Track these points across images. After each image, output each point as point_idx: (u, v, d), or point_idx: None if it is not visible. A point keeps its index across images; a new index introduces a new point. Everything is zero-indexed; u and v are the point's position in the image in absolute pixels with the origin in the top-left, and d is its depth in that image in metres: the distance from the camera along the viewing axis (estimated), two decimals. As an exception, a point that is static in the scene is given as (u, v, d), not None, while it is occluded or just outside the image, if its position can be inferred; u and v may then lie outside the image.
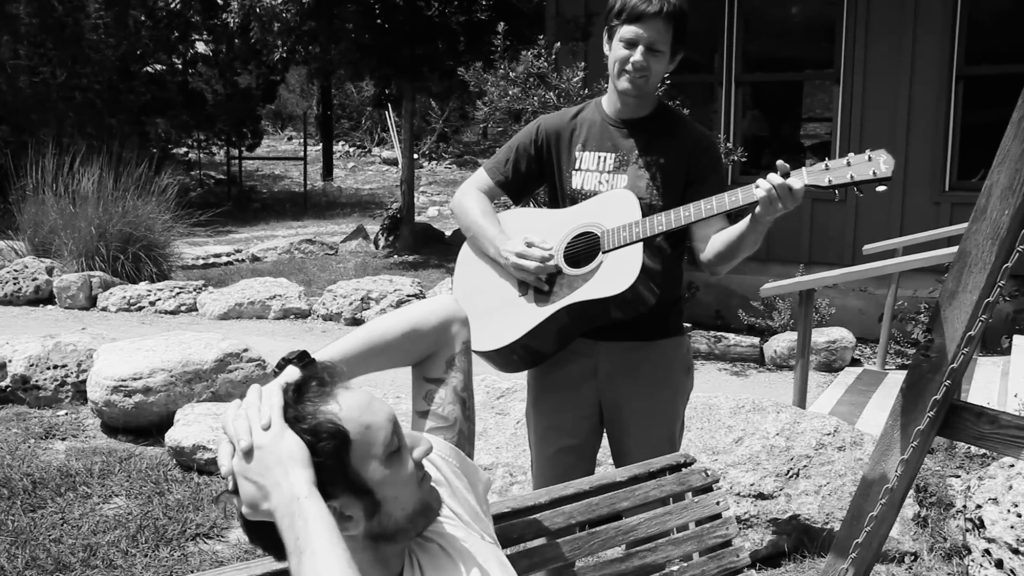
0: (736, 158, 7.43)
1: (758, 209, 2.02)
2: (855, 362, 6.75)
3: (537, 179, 2.48)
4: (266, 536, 1.17)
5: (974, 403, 2.10)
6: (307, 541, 1.08)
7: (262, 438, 1.15)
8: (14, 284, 8.91)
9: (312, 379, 1.22)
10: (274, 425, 1.16)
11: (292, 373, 1.26)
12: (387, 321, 1.49)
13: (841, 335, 6.68)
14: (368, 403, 1.22)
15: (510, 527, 1.62)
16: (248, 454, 1.15)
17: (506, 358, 2.28)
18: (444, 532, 1.36)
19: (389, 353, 1.47)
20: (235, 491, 1.17)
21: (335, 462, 1.16)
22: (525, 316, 2.23)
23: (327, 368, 1.26)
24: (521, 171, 2.45)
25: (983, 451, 4.01)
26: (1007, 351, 6.37)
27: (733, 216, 2.18)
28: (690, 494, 1.85)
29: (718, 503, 1.85)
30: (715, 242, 2.23)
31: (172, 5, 18.52)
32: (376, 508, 1.21)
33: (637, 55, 2.21)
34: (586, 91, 7.08)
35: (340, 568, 1.07)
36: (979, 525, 3.16)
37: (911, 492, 3.54)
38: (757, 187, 1.99)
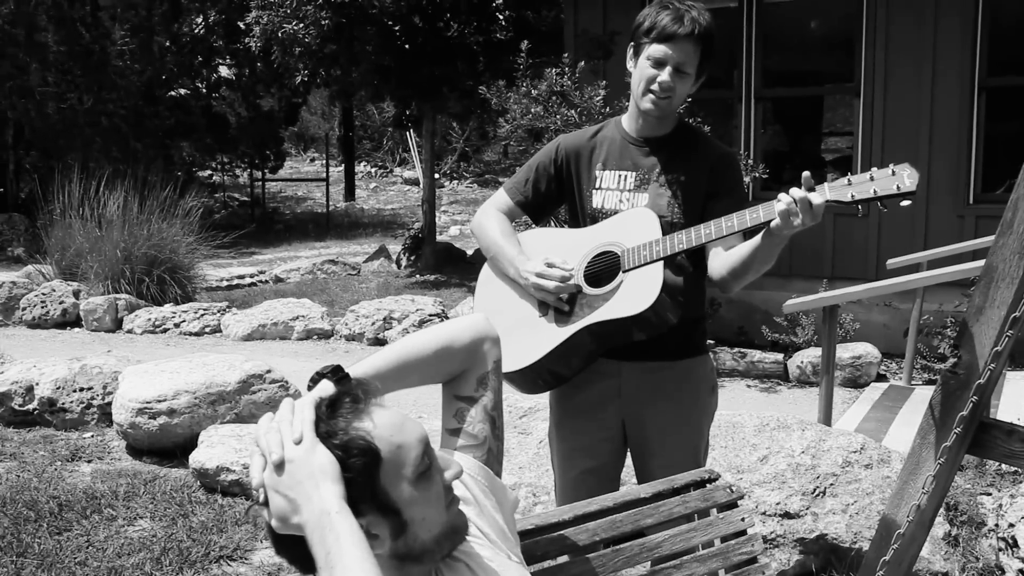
0: (758, 174, 7.40)
1: (775, 223, 1.98)
2: (881, 377, 6.67)
3: (557, 199, 2.47)
4: (293, 549, 1.17)
5: (1004, 420, 2.06)
6: (339, 556, 1.07)
7: (293, 452, 1.15)
8: (42, 307, 9.02)
9: (346, 395, 1.22)
10: (306, 439, 1.16)
11: (326, 388, 1.25)
12: (420, 338, 1.49)
13: (866, 350, 6.61)
14: (401, 423, 1.21)
15: (534, 544, 1.61)
16: (279, 467, 1.15)
17: (527, 379, 2.27)
18: (471, 551, 1.36)
19: (421, 370, 1.47)
20: (266, 503, 1.18)
21: (364, 479, 1.17)
22: (545, 337, 2.21)
23: (362, 385, 1.26)
24: (541, 191, 2.44)
25: (1014, 468, 3.94)
26: (1037, 365, 6.28)
27: (752, 234, 2.15)
28: (715, 510, 1.83)
29: (743, 519, 1.83)
30: (728, 257, 2.20)
31: (196, 31, 18.78)
32: (403, 528, 1.20)
33: (664, 75, 2.19)
34: (607, 109, 7.09)
35: None
36: (1012, 544, 3.09)
37: (941, 511, 3.48)
38: (778, 201, 1.97)
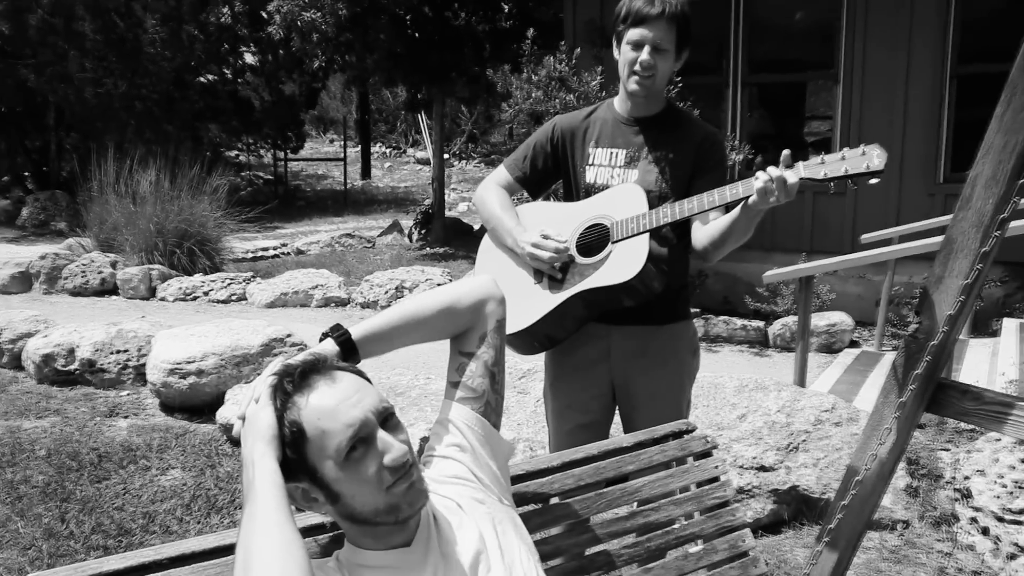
0: (744, 155, 7.37)
1: (752, 198, 1.98)
2: (854, 344, 6.69)
3: (553, 175, 2.47)
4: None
5: (960, 381, 2.07)
6: (252, 495, 1.14)
7: (251, 409, 1.23)
8: (82, 277, 9.05)
9: (290, 373, 1.23)
10: (261, 400, 1.22)
11: (328, 345, 1.33)
12: (425, 297, 1.49)
13: (840, 319, 6.62)
14: (334, 407, 1.19)
15: (524, 488, 1.63)
16: (242, 420, 1.24)
17: (523, 341, 2.28)
18: (464, 494, 1.37)
19: (424, 328, 1.47)
20: None
21: (293, 451, 1.20)
22: (540, 302, 2.22)
23: (313, 363, 1.25)
24: (538, 167, 2.44)
25: (971, 426, 3.97)
26: (997, 333, 6.29)
27: (732, 208, 2.16)
28: (691, 458, 1.84)
29: (716, 467, 1.84)
30: (708, 229, 2.20)
31: (222, 20, 18.60)
32: (336, 499, 1.22)
33: (644, 55, 2.19)
34: (603, 94, 7.05)
35: (266, 516, 1.11)
36: (967, 495, 3.12)
37: (903, 464, 3.51)
38: (756, 179, 1.97)
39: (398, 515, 1.23)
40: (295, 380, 1.22)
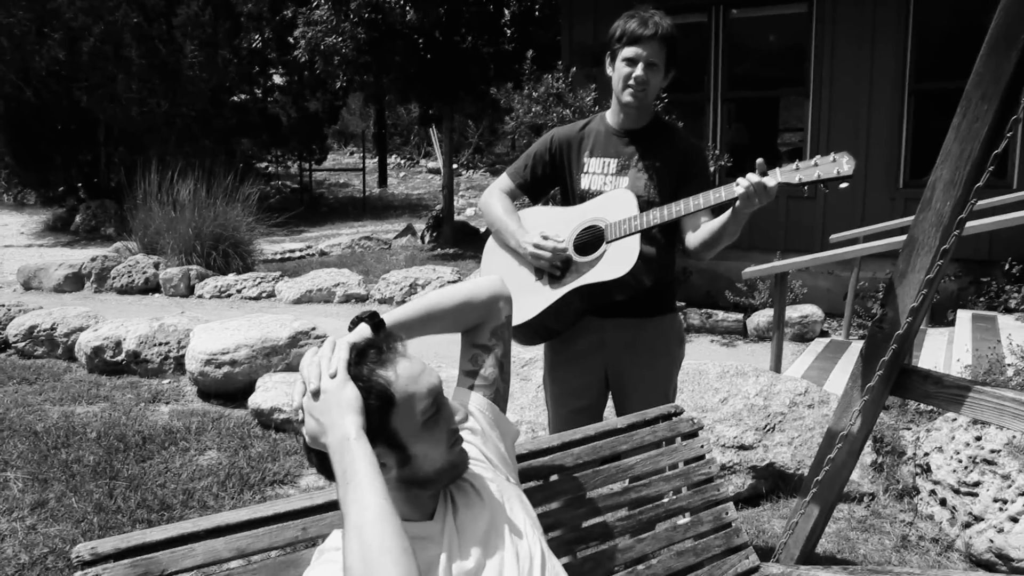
0: (723, 164, 7.34)
1: (738, 203, 1.99)
2: (824, 333, 6.66)
3: (551, 182, 2.46)
4: (321, 461, 1.20)
5: (922, 367, 2.05)
6: (353, 474, 1.08)
7: (328, 383, 1.16)
8: (128, 276, 9.05)
9: (375, 345, 1.22)
10: (339, 375, 1.16)
11: (363, 330, 1.27)
12: (445, 292, 1.47)
13: (812, 311, 6.59)
14: (418, 375, 1.20)
15: (528, 466, 1.62)
16: (316, 395, 1.16)
17: (525, 333, 2.27)
18: (476, 473, 1.36)
19: (444, 320, 1.46)
20: (303, 422, 1.20)
21: (378, 418, 1.16)
22: (541, 297, 2.21)
23: (390, 337, 1.25)
24: (537, 175, 2.42)
25: (930, 407, 3.94)
26: (952, 323, 6.27)
27: (716, 211, 2.15)
28: (679, 439, 1.83)
29: (702, 446, 1.83)
30: (701, 232, 2.19)
31: (253, 45, 18.57)
32: (408, 461, 1.20)
33: (638, 71, 2.19)
34: (596, 108, 7.02)
35: (376, 498, 1.07)
36: (927, 470, 3.10)
37: (869, 442, 3.48)
38: (737, 185, 1.96)
39: (455, 472, 1.25)
40: (382, 354, 1.21)
